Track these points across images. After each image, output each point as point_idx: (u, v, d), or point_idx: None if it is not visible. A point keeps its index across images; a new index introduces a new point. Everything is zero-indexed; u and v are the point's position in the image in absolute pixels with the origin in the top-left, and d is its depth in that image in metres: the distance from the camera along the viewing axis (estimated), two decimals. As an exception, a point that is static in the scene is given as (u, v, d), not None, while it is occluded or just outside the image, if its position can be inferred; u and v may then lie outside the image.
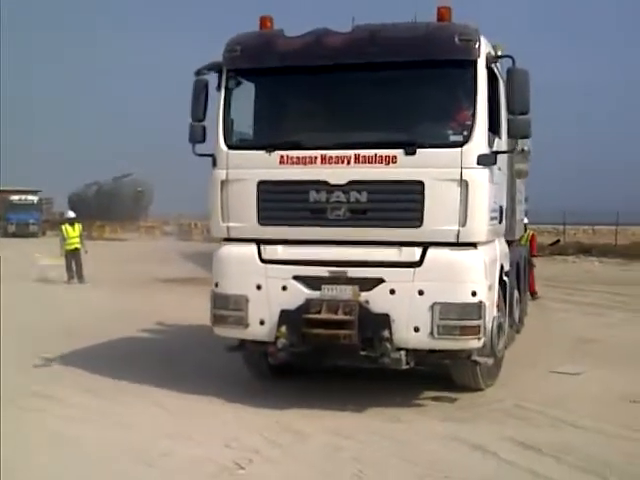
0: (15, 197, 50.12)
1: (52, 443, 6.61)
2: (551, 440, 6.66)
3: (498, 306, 8.34)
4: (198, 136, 7.93)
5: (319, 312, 7.33)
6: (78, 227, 21.11)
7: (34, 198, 50.32)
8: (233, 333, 7.97)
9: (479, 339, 7.32)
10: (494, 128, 7.58)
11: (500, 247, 8.68)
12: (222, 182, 7.82)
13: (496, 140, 7.65)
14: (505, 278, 9.09)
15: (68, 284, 20.29)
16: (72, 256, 20.71)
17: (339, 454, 6.39)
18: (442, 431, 6.99)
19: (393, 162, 7.29)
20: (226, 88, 7.91)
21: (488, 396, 8.24)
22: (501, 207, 8.36)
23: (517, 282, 12.09)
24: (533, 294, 17.25)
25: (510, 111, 7.29)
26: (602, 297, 18.05)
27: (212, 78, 8.01)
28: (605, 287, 20.03)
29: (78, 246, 20.75)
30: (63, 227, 21.05)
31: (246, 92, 8.07)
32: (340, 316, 7.26)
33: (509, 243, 11.91)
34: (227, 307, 7.84)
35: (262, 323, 7.66)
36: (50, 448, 6.49)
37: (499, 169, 8.16)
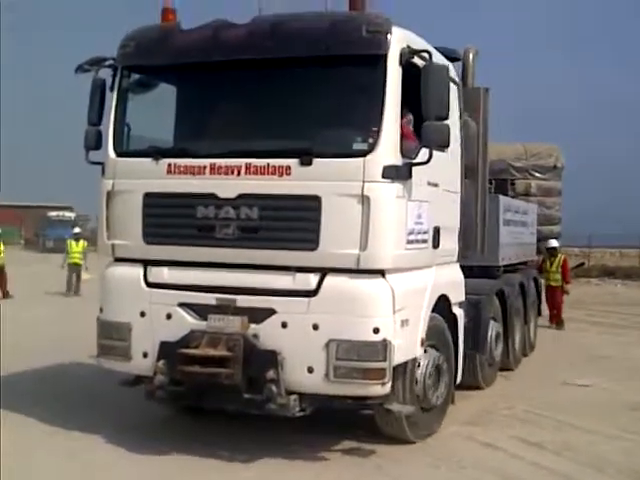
0: (53, 214, 50.54)
1: None
2: (554, 439, 7.32)
3: (435, 345, 7.19)
4: (91, 142, 7.01)
5: (198, 346, 6.31)
6: (82, 244, 22.05)
7: (71, 215, 50.57)
8: (118, 366, 6.99)
9: (383, 384, 6.14)
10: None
11: (442, 275, 7.45)
12: (108, 193, 6.92)
13: (422, 150, 6.49)
14: (457, 311, 7.91)
15: (66, 297, 20.65)
16: (72, 270, 21.53)
17: (361, 449, 6.92)
18: (457, 431, 7.58)
19: (287, 174, 6.22)
20: (119, 88, 7.00)
21: (500, 404, 8.82)
22: (436, 228, 7.14)
23: (504, 314, 10.90)
24: (558, 324, 16.11)
25: (425, 115, 6.13)
26: (621, 318, 18.23)
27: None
28: (625, 308, 20.19)
29: (78, 261, 21.48)
30: (68, 242, 22.26)
31: (141, 93, 7.17)
32: (220, 352, 6.21)
33: (493, 269, 10.74)
34: (111, 336, 6.91)
35: (145, 356, 6.68)
36: None
37: (434, 185, 7.01)
